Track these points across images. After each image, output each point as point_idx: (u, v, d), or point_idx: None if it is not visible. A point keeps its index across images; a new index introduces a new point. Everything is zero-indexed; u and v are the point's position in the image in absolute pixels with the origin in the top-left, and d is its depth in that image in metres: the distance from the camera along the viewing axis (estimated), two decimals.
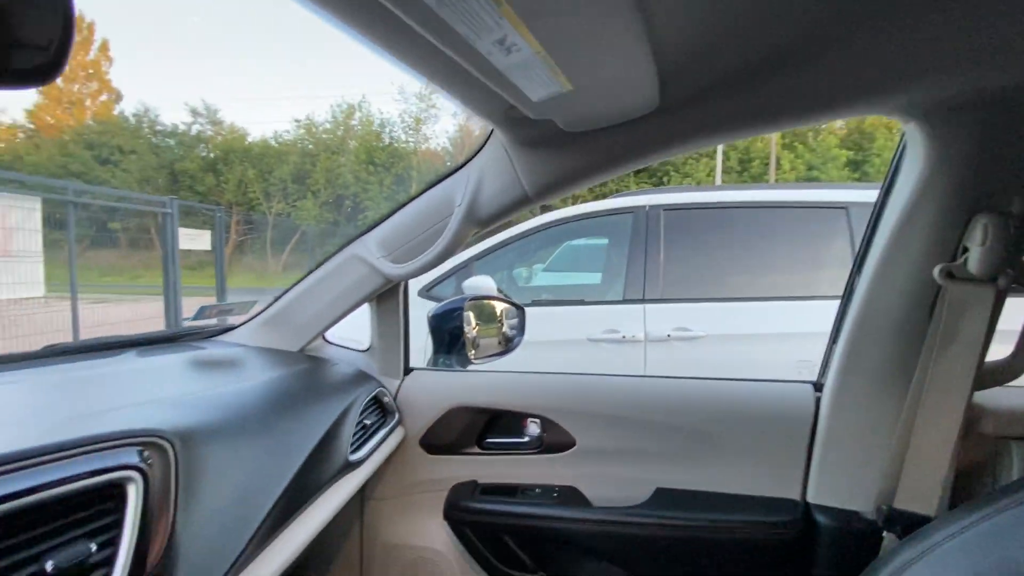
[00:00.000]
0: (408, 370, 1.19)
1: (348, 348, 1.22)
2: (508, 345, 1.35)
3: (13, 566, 0.39)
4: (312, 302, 1.08)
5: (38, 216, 4.65)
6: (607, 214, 2.73)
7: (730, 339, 2.38)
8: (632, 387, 1.10)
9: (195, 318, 1.04)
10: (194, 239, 6.63)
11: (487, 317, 1.38)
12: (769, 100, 0.71)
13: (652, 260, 2.53)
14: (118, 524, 0.45)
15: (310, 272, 1.10)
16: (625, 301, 2.52)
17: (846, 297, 0.96)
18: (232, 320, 1.14)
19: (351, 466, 0.87)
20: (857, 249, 0.98)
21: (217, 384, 0.78)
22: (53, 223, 4.64)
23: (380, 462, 0.99)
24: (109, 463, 0.46)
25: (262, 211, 22.81)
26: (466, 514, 1.05)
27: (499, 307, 1.40)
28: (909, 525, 0.80)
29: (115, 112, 28.00)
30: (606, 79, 0.59)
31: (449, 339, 1.30)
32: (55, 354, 0.85)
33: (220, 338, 1.12)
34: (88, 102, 27.92)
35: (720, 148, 13.34)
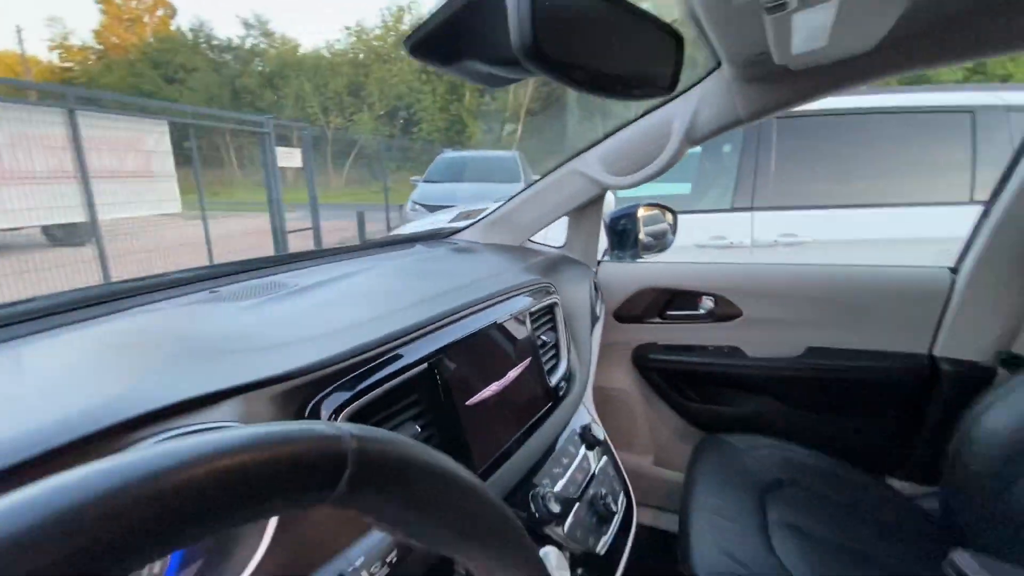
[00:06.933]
0: (597, 262, 1.52)
1: (547, 246, 1.55)
2: (664, 243, 1.64)
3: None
4: (533, 207, 1.38)
5: (167, 139, 5.09)
6: None
7: (836, 245, 2.56)
8: (791, 271, 1.38)
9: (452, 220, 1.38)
10: (288, 157, 7.01)
11: (649, 220, 1.66)
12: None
13: (762, 169, 2.67)
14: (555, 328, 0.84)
15: (529, 185, 1.40)
16: (734, 209, 2.71)
17: (992, 197, 1.17)
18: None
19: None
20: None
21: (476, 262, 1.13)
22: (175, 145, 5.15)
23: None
24: (539, 298, 0.83)
25: (320, 126, 23.05)
26: (651, 362, 1.41)
27: (657, 212, 1.67)
28: (1020, 365, 1.09)
29: (172, 28, 28.25)
30: (861, 35, 0.77)
31: (622, 238, 1.60)
32: (365, 247, 1.22)
33: (454, 238, 1.47)
34: (146, 18, 28.18)
35: None
